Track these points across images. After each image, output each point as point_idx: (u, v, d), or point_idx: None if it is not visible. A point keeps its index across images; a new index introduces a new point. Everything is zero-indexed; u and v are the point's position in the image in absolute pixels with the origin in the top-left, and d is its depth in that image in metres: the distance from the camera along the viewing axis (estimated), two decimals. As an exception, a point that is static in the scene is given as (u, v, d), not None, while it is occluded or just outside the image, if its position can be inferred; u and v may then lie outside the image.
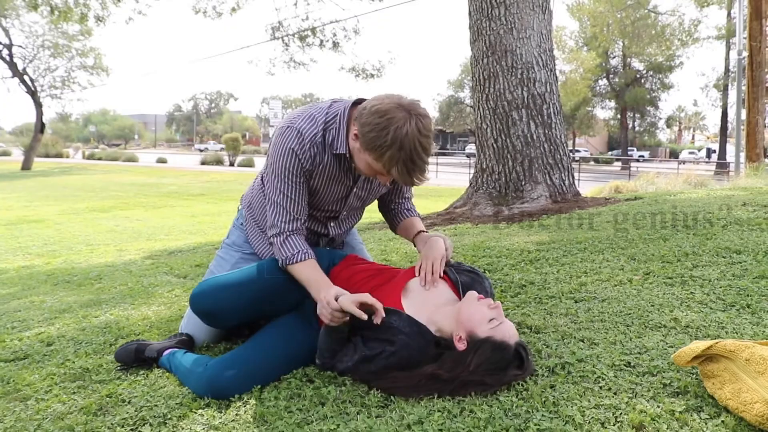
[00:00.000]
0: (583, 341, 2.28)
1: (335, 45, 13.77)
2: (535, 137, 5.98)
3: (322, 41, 13.65)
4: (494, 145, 6.08)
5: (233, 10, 12.64)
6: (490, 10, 6.05)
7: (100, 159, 48.59)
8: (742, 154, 21.15)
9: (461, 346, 2.03)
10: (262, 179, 2.58)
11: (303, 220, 2.39)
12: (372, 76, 15.69)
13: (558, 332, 2.39)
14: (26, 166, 34.88)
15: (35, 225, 11.46)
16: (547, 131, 6.02)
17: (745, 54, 17.13)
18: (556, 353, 2.18)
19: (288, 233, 2.34)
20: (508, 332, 2.02)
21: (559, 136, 6.11)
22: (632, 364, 2.04)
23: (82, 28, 35.09)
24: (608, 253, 3.58)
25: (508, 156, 6.01)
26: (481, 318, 2.03)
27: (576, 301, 2.77)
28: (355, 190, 2.51)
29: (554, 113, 6.10)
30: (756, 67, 17.33)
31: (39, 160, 39.93)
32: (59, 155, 52.69)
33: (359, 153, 2.22)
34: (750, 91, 17.32)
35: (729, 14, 37.97)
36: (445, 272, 2.37)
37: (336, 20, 14.50)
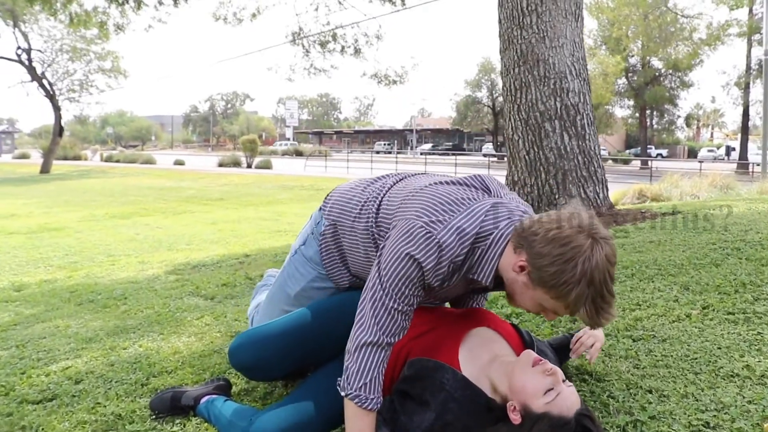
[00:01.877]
0: (651, 392, 2.12)
1: (357, 51, 13.60)
2: (568, 149, 5.81)
3: (343, 47, 13.51)
4: (526, 157, 5.91)
5: (253, 16, 12.51)
6: (521, 18, 5.88)
7: (118, 161, 48.73)
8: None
9: (515, 418, 1.81)
10: (360, 209, 2.23)
11: (403, 334, 1.96)
12: (395, 82, 15.49)
13: (622, 380, 2.23)
14: (45, 169, 35.05)
15: (56, 233, 11.40)
16: (580, 143, 5.84)
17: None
18: (624, 407, 2.02)
19: (384, 346, 1.90)
20: (566, 404, 1.79)
21: (593, 148, 5.93)
22: (711, 425, 1.88)
23: (101, 32, 35.23)
24: (659, 281, 3.40)
25: (541, 168, 5.84)
26: (534, 390, 1.80)
27: (634, 340, 2.60)
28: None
29: (588, 124, 5.92)
30: (783, 67, 17.02)
31: (57, 163, 40.07)
32: (77, 158, 52.96)
33: (526, 289, 1.84)
34: (776, 91, 17.02)
35: (750, 11, 37.48)
36: (512, 324, 2.22)
37: (355, 22, 14.30)
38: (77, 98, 40.00)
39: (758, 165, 28.52)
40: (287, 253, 6.58)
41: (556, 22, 5.84)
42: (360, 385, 1.87)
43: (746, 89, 40.65)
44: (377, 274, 1.90)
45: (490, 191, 2.05)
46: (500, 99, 54.74)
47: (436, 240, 1.83)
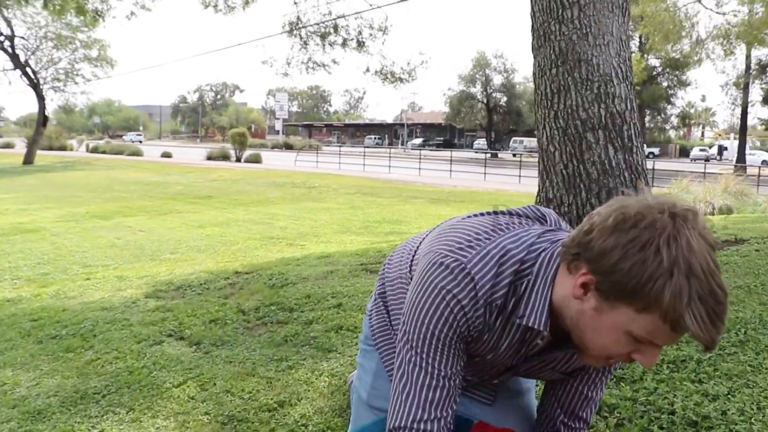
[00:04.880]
0: None
1: (360, 44, 12.60)
2: (614, 164, 5.01)
3: (345, 40, 12.48)
4: (563, 172, 5.12)
5: (246, 3, 11.54)
6: (560, 11, 5.07)
7: (104, 152, 47.63)
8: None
9: None
10: (400, 259, 1.70)
11: (449, 418, 1.39)
12: (401, 80, 14.40)
13: None
14: (28, 160, 34.02)
15: (29, 236, 10.55)
16: (627, 156, 5.05)
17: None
18: None
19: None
20: None
21: (640, 163, 5.14)
22: None
23: (86, 19, 34.16)
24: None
25: (581, 185, 5.05)
26: None
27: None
28: (517, 368, 1.52)
29: (635, 135, 5.13)
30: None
31: (42, 153, 39.05)
32: (63, 148, 51.81)
33: (599, 317, 1.25)
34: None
35: (751, 9, 36.82)
36: None
37: (354, 13, 13.34)
38: (62, 87, 38.91)
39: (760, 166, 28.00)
40: (282, 273, 5.70)
41: (600, 17, 5.04)
42: None
43: (746, 89, 40.20)
44: (403, 332, 1.43)
45: (546, 221, 1.54)
46: (495, 95, 54.15)
47: (466, 270, 1.34)
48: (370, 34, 12.57)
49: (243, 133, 40.22)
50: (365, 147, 51.26)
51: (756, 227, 5.55)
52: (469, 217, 1.51)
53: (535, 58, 5.40)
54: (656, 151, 57.65)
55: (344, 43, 12.51)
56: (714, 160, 48.80)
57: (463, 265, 1.33)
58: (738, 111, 43.37)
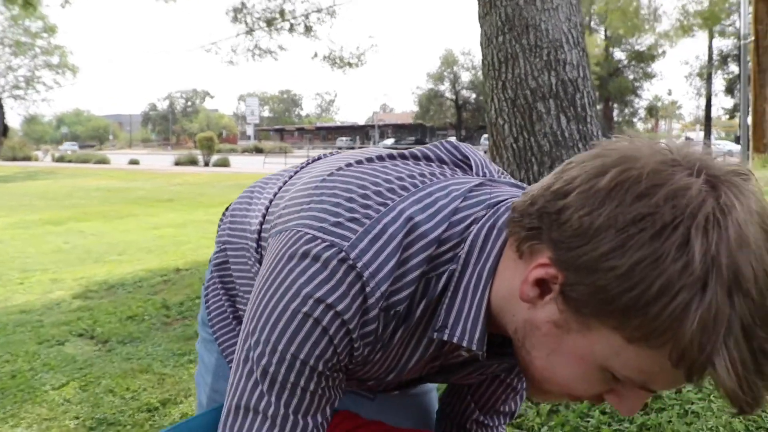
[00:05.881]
0: None
1: (308, 29, 12.11)
2: (567, 135, 4.69)
3: (292, 25, 11.98)
4: (514, 146, 4.78)
5: (192, -8, 11.04)
6: (505, -26, 4.75)
7: (70, 162, 46.76)
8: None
9: None
10: (247, 220, 1.08)
11: None
12: (350, 65, 13.90)
13: None
14: (-12, 171, 33.21)
15: (-29, 244, 10.04)
16: (581, 127, 4.73)
17: (751, 38, 16.07)
18: None
19: None
20: None
21: (595, 133, 4.82)
22: None
23: (46, 25, 33.49)
24: None
25: (533, 159, 4.72)
26: None
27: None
28: (429, 378, 1.03)
29: (588, 104, 4.81)
30: (762, 51, 16.32)
31: (4, 164, 38.19)
32: (27, 158, 50.78)
33: (561, 337, 0.73)
34: (756, 77, 16.32)
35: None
36: None
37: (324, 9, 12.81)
38: (23, 95, 38.10)
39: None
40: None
41: (548, -21, 4.72)
42: None
43: (709, 80, 40.66)
44: (243, 359, 0.83)
45: (471, 167, 0.95)
46: (463, 92, 54.08)
47: (348, 262, 0.78)
48: (318, 18, 12.09)
49: (210, 138, 39.72)
50: (337, 148, 50.93)
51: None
52: (351, 165, 0.92)
53: (481, 27, 5.06)
54: (626, 144, 58.18)
55: (291, 29, 12.02)
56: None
57: (343, 254, 0.78)
58: (702, 102, 43.87)
